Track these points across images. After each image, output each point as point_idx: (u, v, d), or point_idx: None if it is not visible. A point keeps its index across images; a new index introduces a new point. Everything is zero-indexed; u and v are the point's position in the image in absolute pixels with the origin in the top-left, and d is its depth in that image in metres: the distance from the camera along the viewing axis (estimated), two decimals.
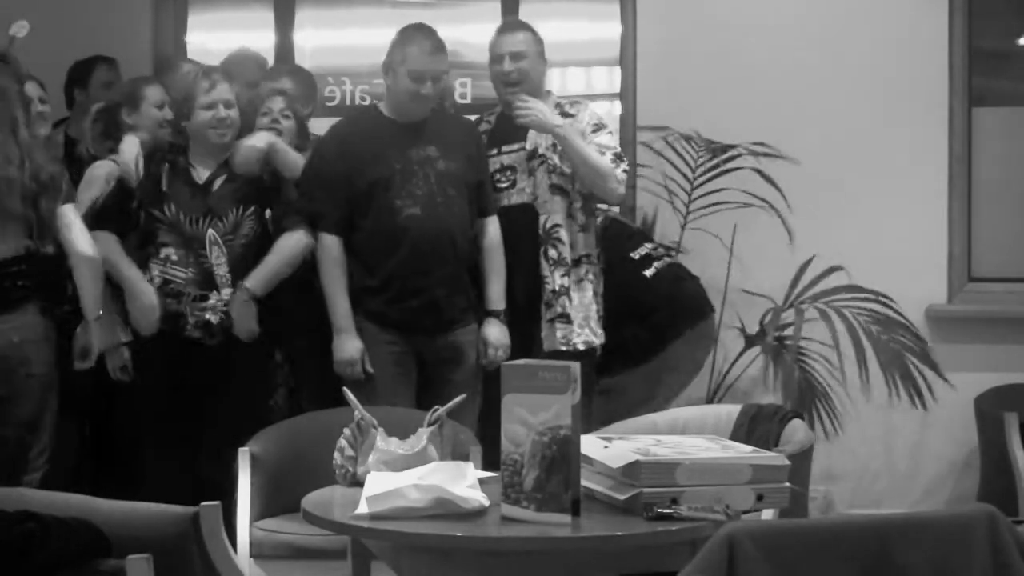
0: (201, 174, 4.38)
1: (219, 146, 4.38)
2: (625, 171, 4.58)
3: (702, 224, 5.34)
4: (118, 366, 4.42)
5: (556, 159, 4.56)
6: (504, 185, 4.59)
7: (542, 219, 4.54)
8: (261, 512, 3.74)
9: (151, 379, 4.35)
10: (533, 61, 4.63)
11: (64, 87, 5.29)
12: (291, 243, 4.32)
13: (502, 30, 4.75)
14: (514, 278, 4.52)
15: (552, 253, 4.53)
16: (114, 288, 4.41)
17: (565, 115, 4.60)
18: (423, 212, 4.28)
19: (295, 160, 4.47)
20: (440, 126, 4.43)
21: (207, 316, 4.27)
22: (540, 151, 4.57)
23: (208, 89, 4.34)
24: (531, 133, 4.57)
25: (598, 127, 4.62)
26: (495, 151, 4.63)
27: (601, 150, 4.54)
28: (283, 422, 3.99)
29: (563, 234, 4.53)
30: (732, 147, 5.23)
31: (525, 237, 4.51)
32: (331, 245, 4.33)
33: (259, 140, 4.45)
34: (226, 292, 4.28)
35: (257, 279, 4.27)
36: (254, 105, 4.68)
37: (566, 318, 4.53)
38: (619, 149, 4.62)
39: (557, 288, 4.53)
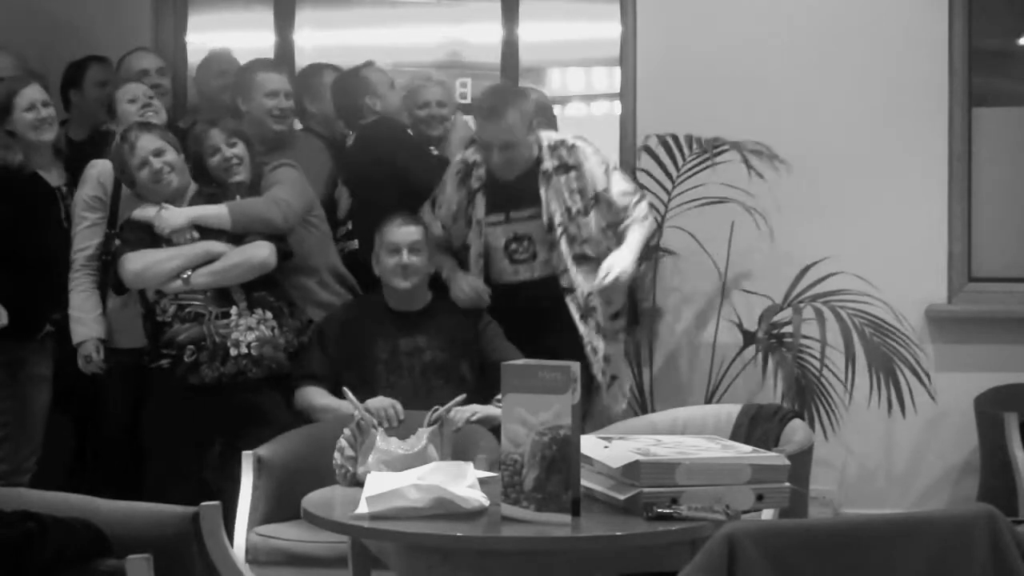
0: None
1: (171, 193, 4.31)
2: (650, 204, 4.57)
3: (702, 220, 5.33)
4: (85, 354, 4.40)
5: (575, 228, 4.40)
6: (523, 257, 4.43)
7: (577, 292, 4.40)
8: (266, 516, 3.73)
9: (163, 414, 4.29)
10: (521, 143, 4.33)
11: (60, 89, 5.30)
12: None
13: (486, 116, 4.36)
14: (554, 353, 4.28)
15: (592, 323, 4.43)
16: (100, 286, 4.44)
17: (566, 168, 4.40)
18: (403, 403, 4.08)
19: (256, 216, 4.36)
20: (437, 314, 4.30)
21: (238, 336, 4.21)
22: (557, 220, 4.39)
23: (131, 150, 4.27)
24: (545, 200, 4.38)
25: (606, 169, 4.46)
26: (502, 217, 4.42)
27: (626, 204, 4.42)
28: (301, 428, 3.96)
29: (598, 302, 4.43)
30: (721, 144, 5.21)
31: (551, 310, 4.36)
32: (312, 390, 4.23)
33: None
34: (243, 305, 4.25)
35: None
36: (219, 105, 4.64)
37: (615, 379, 4.51)
38: (633, 185, 4.53)
39: (605, 356, 4.47)
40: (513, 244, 4.44)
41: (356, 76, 4.92)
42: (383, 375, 4.18)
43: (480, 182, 4.45)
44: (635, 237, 4.42)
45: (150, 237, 4.27)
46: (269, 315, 4.25)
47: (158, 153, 4.27)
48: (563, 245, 4.40)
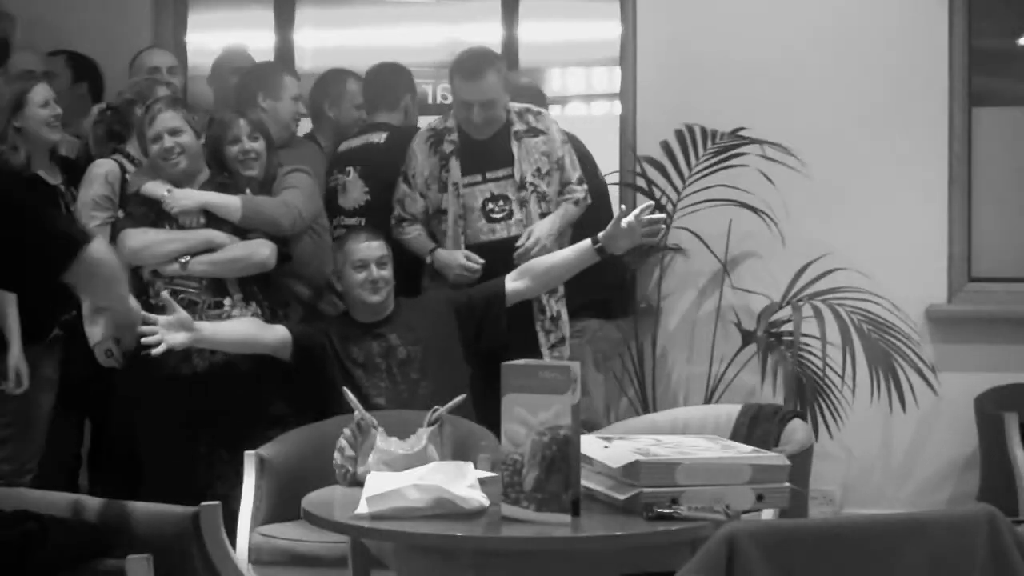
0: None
1: (178, 174, 4.31)
2: (586, 189, 4.66)
3: (699, 219, 5.33)
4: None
5: (544, 186, 4.57)
6: (499, 216, 4.53)
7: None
8: (268, 516, 3.74)
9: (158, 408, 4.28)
10: (500, 102, 4.53)
11: None
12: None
13: (467, 76, 4.51)
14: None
15: None
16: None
17: (535, 132, 4.58)
18: (387, 401, 4.14)
19: (266, 215, 4.37)
20: (401, 314, 4.30)
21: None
22: (528, 180, 4.55)
23: (150, 122, 4.28)
24: (517, 160, 4.54)
25: (565, 140, 4.66)
26: (479, 178, 4.54)
27: (569, 180, 4.62)
28: (303, 427, 3.96)
29: None
30: (736, 138, 5.22)
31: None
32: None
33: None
34: (238, 297, 4.27)
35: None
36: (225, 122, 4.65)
37: (563, 341, 4.58)
38: (578, 165, 4.67)
39: (555, 315, 4.56)
40: (490, 204, 4.54)
41: (402, 72, 5.01)
42: (364, 379, 4.18)
43: (453, 146, 4.56)
44: (562, 212, 4.60)
45: (155, 214, 4.29)
46: (259, 311, 4.28)
47: (174, 132, 4.27)
48: (532, 203, 4.54)
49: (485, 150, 4.56)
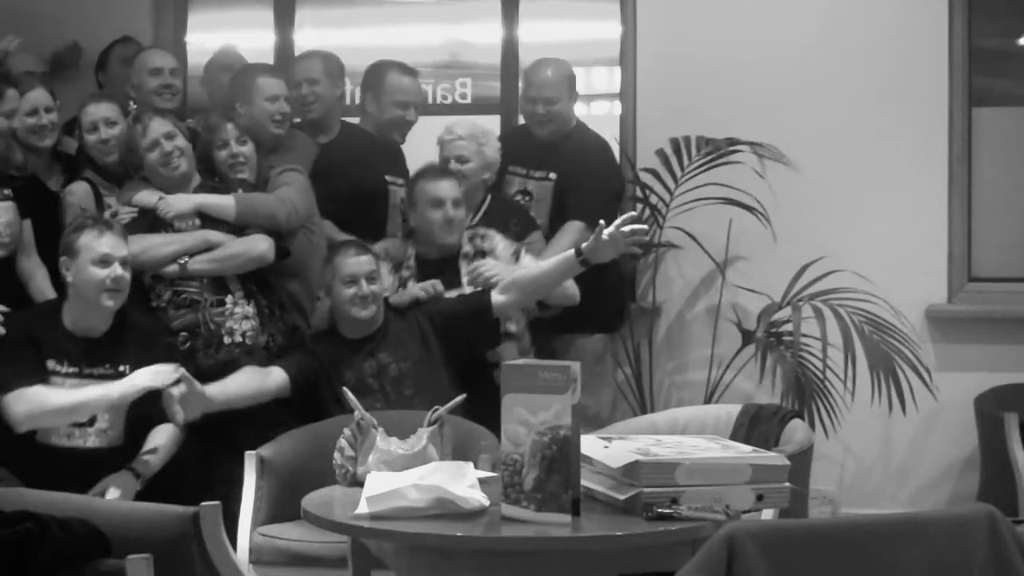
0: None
1: (178, 177, 4.35)
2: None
3: (700, 219, 5.33)
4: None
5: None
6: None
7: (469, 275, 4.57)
8: (269, 516, 3.73)
9: None
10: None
11: (94, 75, 5.41)
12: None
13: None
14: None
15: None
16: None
17: (482, 253, 4.53)
18: (380, 421, 4.15)
19: (261, 210, 4.41)
20: (389, 328, 4.29)
21: (232, 325, 4.24)
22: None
23: (143, 131, 4.32)
24: (463, 275, 4.50)
25: (515, 251, 4.56)
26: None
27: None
28: (305, 427, 3.96)
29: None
30: (730, 143, 5.22)
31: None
32: None
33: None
34: (239, 294, 4.28)
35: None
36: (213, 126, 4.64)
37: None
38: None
39: (506, 330, 4.54)
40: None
41: (379, 70, 5.04)
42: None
43: (410, 271, 4.49)
44: (544, 264, 4.43)
45: (149, 222, 4.31)
46: (257, 309, 4.29)
47: (169, 136, 4.33)
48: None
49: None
